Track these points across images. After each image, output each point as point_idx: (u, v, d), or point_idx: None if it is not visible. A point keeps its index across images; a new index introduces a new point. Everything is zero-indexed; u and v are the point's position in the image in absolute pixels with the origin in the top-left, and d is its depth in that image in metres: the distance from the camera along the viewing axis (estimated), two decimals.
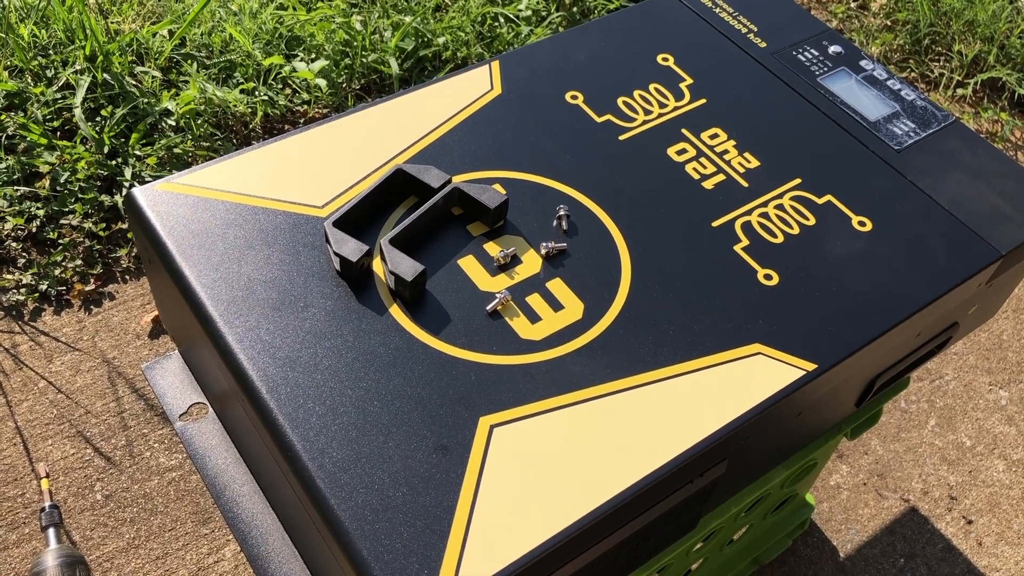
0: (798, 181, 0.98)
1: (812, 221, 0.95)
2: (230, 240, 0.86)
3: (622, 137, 1.00)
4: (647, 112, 1.03)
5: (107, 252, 1.54)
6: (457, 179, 0.93)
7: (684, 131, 1.01)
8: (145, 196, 0.89)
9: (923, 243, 0.94)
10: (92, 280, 1.50)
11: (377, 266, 0.86)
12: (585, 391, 0.79)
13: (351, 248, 0.83)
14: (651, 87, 1.06)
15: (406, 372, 0.79)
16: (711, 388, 0.81)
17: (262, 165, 0.93)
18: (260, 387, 0.77)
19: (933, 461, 1.41)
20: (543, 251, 0.88)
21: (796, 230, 0.94)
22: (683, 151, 0.99)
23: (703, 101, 1.05)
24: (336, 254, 0.83)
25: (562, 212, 0.91)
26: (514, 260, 0.88)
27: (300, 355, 0.79)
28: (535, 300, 0.85)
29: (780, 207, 0.95)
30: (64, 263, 1.50)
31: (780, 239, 0.93)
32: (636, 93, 1.05)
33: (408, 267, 0.82)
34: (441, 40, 1.88)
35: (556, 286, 0.86)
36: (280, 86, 1.79)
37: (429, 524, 0.70)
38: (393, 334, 0.81)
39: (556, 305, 0.85)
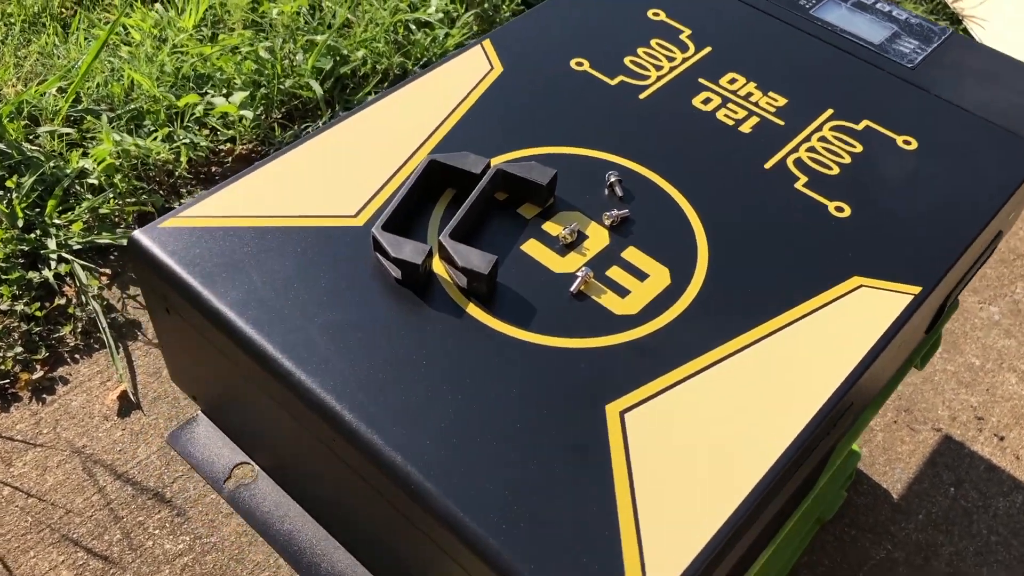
0: (830, 112, 0.94)
1: (859, 148, 0.91)
2: (265, 267, 0.75)
3: (642, 96, 0.94)
4: (658, 68, 0.97)
5: (48, 333, 1.38)
6: (494, 163, 0.84)
7: (702, 80, 0.96)
8: (151, 237, 0.77)
9: (971, 152, 0.91)
10: (38, 366, 1.33)
11: (437, 267, 0.77)
12: (703, 357, 0.72)
13: (411, 251, 0.74)
14: (653, 43, 1.00)
15: (508, 373, 0.70)
16: (829, 329, 0.75)
17: (275, 183, 0.82)
18: (356, 421, 0.66)
19: (951, 386, 1.41)
20: (607, 221, 0.81)
21: (847, 159, 0.89)
22: (708, 100, 0.94)
23: (709, 49, 1.00)
24: (395, 260, 0.74)
25: (613, 179, 0.84)
26: (580, 236, 0.80)
27: (387, 377, 0.69)
28: (616, 273, 0.78)
29: (823, 139, 0.91)
30: (2, 353, 1.33)
31: (836, 170, 0.88)
32: (640, 51, 0.99)
33: (481, 260, 0.74)
34: (360, 54, 1.78)
35: (632, 255, 0.79)
36: (197, 127, 1.66)
37: (596, 531, 0.62)
38: (480, 335, 0.72)
39: (640, 274, 0.78)
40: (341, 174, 0.83)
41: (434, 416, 0.67)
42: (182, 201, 1.56)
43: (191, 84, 1.71)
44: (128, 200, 1.52)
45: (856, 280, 0.79)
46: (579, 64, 0.97)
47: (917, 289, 0.79)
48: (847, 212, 0.84)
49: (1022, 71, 1.01)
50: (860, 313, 0.76)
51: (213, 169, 1.63)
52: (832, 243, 0.82)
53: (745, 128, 0.91)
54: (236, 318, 0.72)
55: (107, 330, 1.37)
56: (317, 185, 0.82)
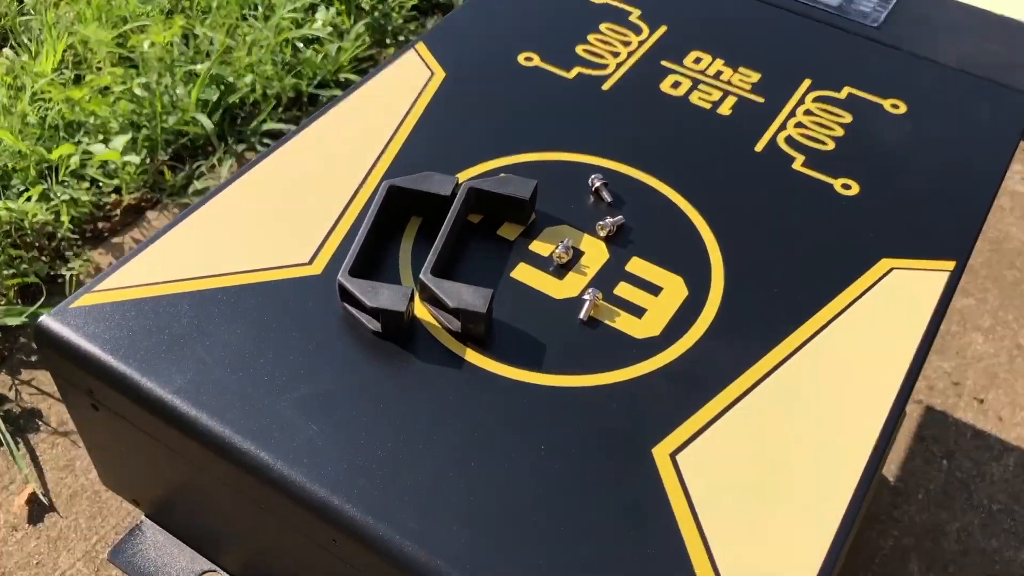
0: (808, 82, 0.86)
1: (848, 118, 0.83)
2: (213, 339, 0.62)
3: (605, 87, 0.84)
4: (615, 55, 0.87)
5: None
6: (462, 180, 0.73)
7: (665, 63, 0.87)
8: (63, 321, 0.62)
9: (963, 109, 0.85)
10: None
11: (419, 310, 0.65)
12: (747, 375, 0.62)
13: (391, 297, 0.61)
14: (603, 28, 0.90)
15: (529, 427, 0.59)
16: (873, 321, 0.66)
17: (205, 236, 0.68)
18: (361, 515, 0.54)
19: None
20: (602, 232, 0.70)
21: (840, 131, 0.81)
22: (677, 84, 0.85)
23: (664, 29, 0.91)
24: (373, 310, 0.61)
25: (598, 183, 0.73)
26: (575, 253, 0.69)
27: (387, 455, 0.57)
28: (626, 290, 0.67)
29: (809, 112, 0.83)
30: None
31: (831, 145, 0.80)
32: (591, 38, 0.89)
33: (476, 297, 0.62)
34: (247, 80, 1.63)
35: (639, 266, 0.69)
36: (75, 181, 1.48)
37: None
38: (487, 385, 0.61)
39: (652, 288, 0.67)
40: (283, 216, 0.70)
41: (454, 495, 0.55)
42: (69, 267, 1.38)
43: (61, 134, 1.53)
44: (5, 272, 1.33)
45: (886, 263, 0.70)
46: (528, 59, 0.86)
47: (951, 264, 0.71)
48: (855, 189, 0.76)
49: (989, 20, 0.95)
50: (900, 298, 0.68)
51: (100, 225, 1.46)
52: (849, 225, 0.73)
53: (724, 110, 0.82)
54: (189, 408, 0.58)
55: (1, 425, 1.19)
56: (257, 233, 0.69)
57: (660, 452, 0.58)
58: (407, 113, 0.80)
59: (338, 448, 0.57)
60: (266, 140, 1.61)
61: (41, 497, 1.14)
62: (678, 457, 0.58)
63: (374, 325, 0.63)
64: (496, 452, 0.57)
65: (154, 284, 0.65)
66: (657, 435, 0.59)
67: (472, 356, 0.62)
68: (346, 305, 0.64)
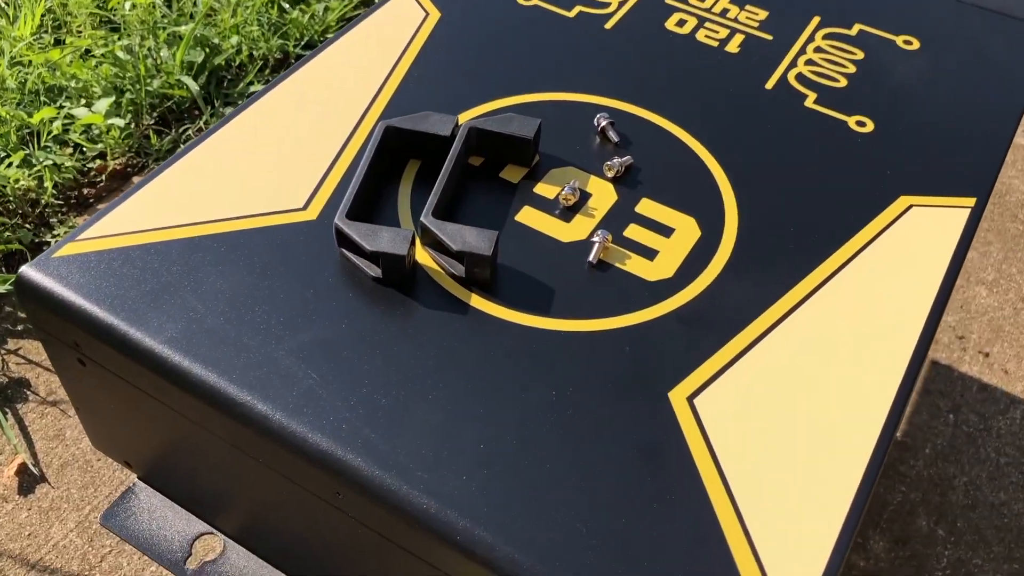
0: (817, 19, 0.83)
1: (860, 55, 0.80)
2: (205, 287, 0.59)
3: (608, 25, 0.80)
4: None
5: None
6: (462, 120, 0.70)
7: (669, 1, 0.83)
8: (46, 271, 0.59)
9: (977, 44, 0.82)
10: None
11: (420, 255, 0.62)
12: (764, 316, 0.60)
13: (391, 240, 0.58)
14: None
15: (540, 373, 0.56)
16: (893, 259, 0.64)
17: (195, 181, 0.65)
18: (369, 467, 0.51)
19: None
20: (609, 172, 0.67)
21: (852, 68, 0.78)
22: (682, 22, 0.81)
23: None
24: (373, 255, 0.58)
25: (604, 122, 0.70)
26: (582, 195, 0.66)
27: (392, 403, 0.54)
28: (636, 232, 0.64)
29: (820, 50, 0.80)
30: None
31: (843, 82, 0.77)
32: None
33: (480, 239, 0.59)
34: (233, 41, 1.58)
35: (649, 208, 0.66)
36: (58, 147, 1.43)
37: (699, 549, 0.49)
38: (494, 332, 0.58)
39: (664, 229, 0.64)
40: (275, 160, 0.67)
41: (463, 444, 0.52)
42: (55, 234, 1.34)
43: (42, 98, 1.48)
44: None
45: (904, 200, 0.68)
46: None
47: (972, 201, 0.68)
48: (870, 127, 0.73)
49: None
50: (920, 236, 0.65)
51: (85, 191, 1.42)
52: (865, 163, 0.70)
53: (732, 48, 0.79)
54: (181, 359, 0.55)
55: None
56: (249, 177, 0.66)
57: (677, 396, 0.55)
58: (402, 54, 0.76)
59: (340, 397, 0.54)
60: None
61: (31, 467, 1.11)
62: (696, 401, 0.55)
63: (374, 271, 0.60)
64: (505, 399, 0.54)
65: (141, 232, 0.61)
66: (673, 379, 0.56)
67: (477, 301, 0.59)
68: (344, 251, 0.61)
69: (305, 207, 0.64)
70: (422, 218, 0.61)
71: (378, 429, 0.53)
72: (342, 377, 0.55)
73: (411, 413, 0.53)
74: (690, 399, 0.55)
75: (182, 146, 1.49)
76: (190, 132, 1.51)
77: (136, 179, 1.45)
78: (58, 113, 1.43)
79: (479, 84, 0.74)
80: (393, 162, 0.67)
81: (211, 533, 0.69)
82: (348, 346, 0.56)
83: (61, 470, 1.11)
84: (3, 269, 1.29)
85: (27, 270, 0.59)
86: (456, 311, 0.59)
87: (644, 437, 0.53)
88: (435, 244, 0.61)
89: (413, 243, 0.59)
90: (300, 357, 0.55)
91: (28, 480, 1.11)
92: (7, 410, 1.16)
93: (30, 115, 1.43)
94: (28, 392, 1.19)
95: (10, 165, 1.36)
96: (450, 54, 0.76)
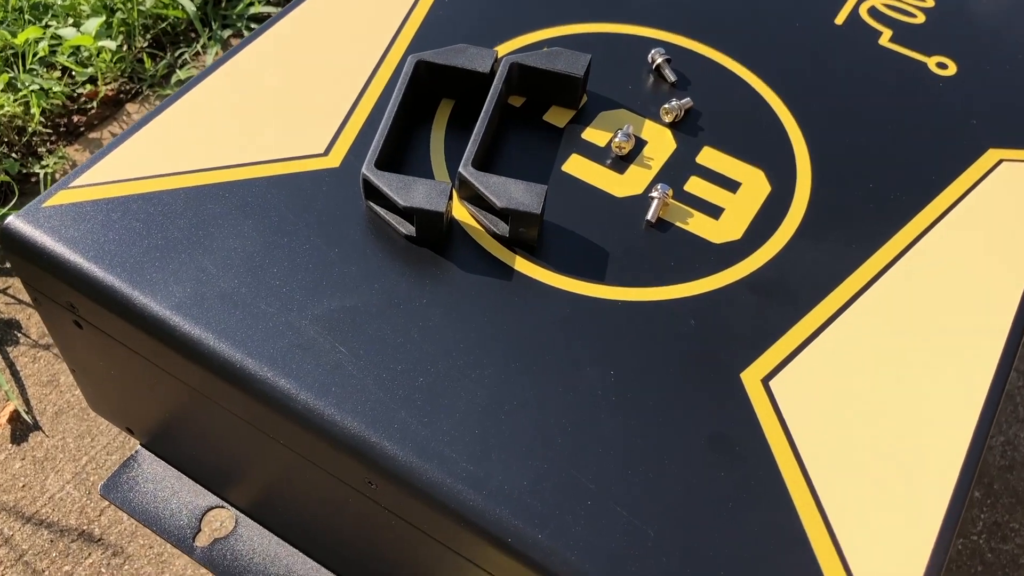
0: None
1: None
2: (216, 243, 0.52)
3: None
4: None
5: None
6: (502, 55, 0.62)
7: None
8: (35, 223, 0.52)
9: None
10: None
11: (456, 210, 0.55)
12: (846, 284, 0.53)
13: (427, 193, 0.51)
14: None
15: (594, 350, 0.49)
16: (986, 219, 0.57)
17: (200, 123, 0.58)
18: (404, 454, 0.45)
19: None
20: (667, 117, 0.60)
21: (930, 2, 0.70)
22: None
23: None
24: (406, 211, 0.51)
25: (659, 59, 0.63)
26: (637, 142, 0.59)
27: (430, 382, 0.47)
28: (699, 186, 0.57)
29: None
30: None
31: (920, 17, 0.69)
32: None
33: (528, 195, 0.52)
34: None
35: (712, 158, 0.59)
36: (44, 70, 1.34)
37: (776, 558, 0.43)
38: (543, 300, 0.51)
39: (729, 183, 0.58)
40: (291, 99, 0.59)
41: (512, 429, 0.46)
42: (43, 164, 1.26)
43: (26, 16, 1.39)
44: None
45: (994, 154, 0.61)
46: None
47: None
48: (952, 69, 0.66)
49: None
50: (1013, 194, 0.59)
51: (75, 119, 1.33)
52: (948, 111, 0.63)
53: None
54: (191, 327, 0.48)
55: None
56: (262, 118, 0.58)
57: (750, 377, 0.49)
58: None
59: (372, 374, 0.47)
60: (252, 25, 1.48)
61: (24, 415, 1.06)
62: (771, 383, 0.49)
63: (406, 228, 0.53)
64: (557, 378, 0.48)
65: (142, 179, 0.54)
66: (746, 358, 0.50)
67: (522, 265, 0.53)
68: (371, 204, 0.54)
69: (326, 152, 0.57)
70: (461, 169, 0.54)
71: (416, 412, 0.46)
72: (373, 351, 0.48)
73: (452, 393, 0.47)
74: (765, 381, 0.49)
75: (178, 71, 1.40)
76: (186, 56, 1.42)
77: (129, 106, 1.36)
78: (44, 33, 1.34)
79: (519, 12, 0.66)
80: (424, 102, 0.60)
81: (221, 507, 0.63)
82: (379, 314, 0.50)
83: (56, 418, 1.06)
84: None
85: (14, 221, 0.52)
86: (499, 275, 0.52)
87: (715, 425, 0.47)
88: (474, 198, 0.54)
89: (451, 197, 0.52)
90: (325, 326, 0.49)
91: (21, 428, 1.05)
92: None
93: (14, 35, 1.33)
94: (19, 335, 1.12)
95: None
96: None
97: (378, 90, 0.60)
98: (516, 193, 0.52)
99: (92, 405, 0.66)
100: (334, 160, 0.56)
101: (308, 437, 0.47)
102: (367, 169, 0.52)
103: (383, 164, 0.54)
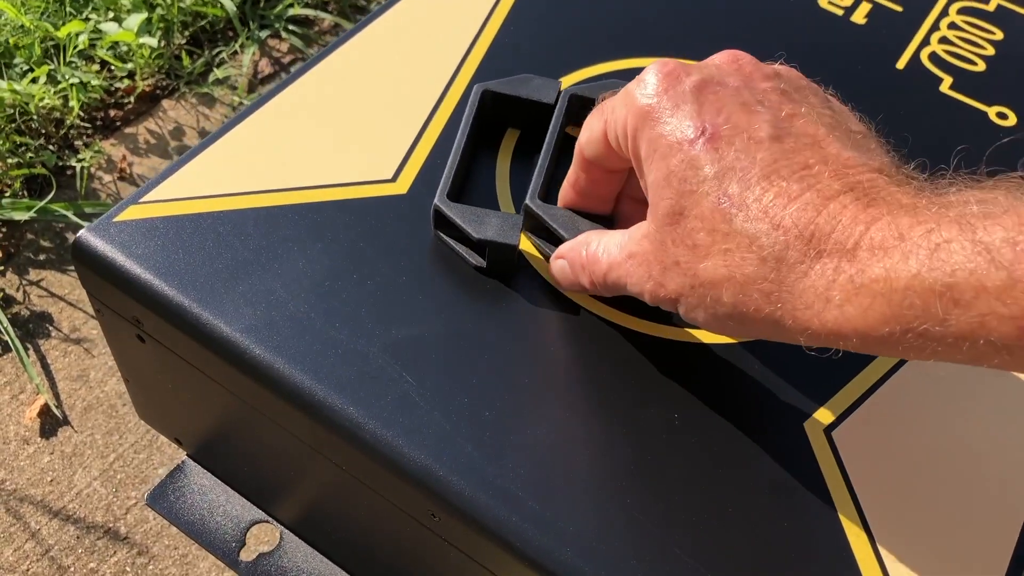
0: None
1: (999, 35, 0.72)
2: (284, 266, 0.52)
3: None
4: None
5: None
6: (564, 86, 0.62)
7: None
8: (108, 238, 0.52)
9: None
10: None
11: (524, 244, 0.55)
12: None
13: (500, 227, 0.52)
14: None
15: (659, 391, 0.50)
16: None
17: (270, 142, 0.58)
18: (467, 489, 0.45)
19: None
20: None
21: (990, 50, 0.71)
22: None
23: None
24: (479, 242, 0.52)
25: None
26: None
27: (496, 417, 0.48)
28: None
29: (954, 26, 0.72)
30: None
31: (981, 66, 0.69)
32: None
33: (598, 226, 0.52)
34: None
35: None
36: (83, 63, 1.35)
37: None
38: (607, 339, 0.52)
39: None
40: (358, 122, 0.60)
41: (577, 468, 0.47)
42: (79, 157, 1.27)
43: (68, 9, 1.39)
44: (10, 161, 1.22)
45: None
46: None
47: None
48: (1012, 119, 0.66)
49: None
50: None
51: (112, 113, 1.34)
52: (1007, 160, 0.63)
53: (858, 18, 0.71)
54: (262, 351, 0.49)
55: (9, 329, 1.10)
56: (330, 140, 0.58)
57: (813, 427, 0.49)
58: (495, 4, 0.68)
59: (439, 407, 0.48)
60: (291, 26, 1.48)
61: (54, 409, 1.06)
62: (834, 434, 0.49)
63: (476, 259, 0.53)
64: (622, 418, 0.48)
65: (213, 197, 0.55)
66: (808, 407, 0.50)
67: (589, 301, 0.53)
68: (440, 233, 0.54)
69: (394, 179, 0.57)
70: (528, 201, 0.54)
71: (482, 447, 0.47)
72: (440, 382, 0.49)
73: (518, 429, 0.47)
74: (827, 431, 0.49)
75: (215, 70, 1.41)
76: (224, 55, 1.43)
77: (165, 102, 1.37)
78: (85, 26, 1.34)
79: (585, 44, 0.66)
80: (490, 131, 0.60)
81: (267, 521, 0.64)
82: (446, 345, 0.50)
83: (85, 413, 1.06)
84: (25, 193, 1.22)
85: (86, 235, 0.52)
86: (565, 310, 0.52)
87: (778, 475, 0.47)
88: (540, 230, 0.54)
89: (522, 229, 0.53)
90: (394, 356, 0.49)
91: (50, 422, 1.06)
92: (28, 346, 1.11)
93: (56, 27, 1.34)
94: (51, 328, 1.13)
95: (34, 80, 1.27)
96: (550, 6, 0.69)
97: (444, 117, 0.61)
98: (584, 228, 0.52)
99: (141, 414, 0.66)
100: (402, 187, 0.57)
101: (373, 466, 0.47)
102: (440, 200, 0.53)
103: (454, 195, 0.54)
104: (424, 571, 0.54)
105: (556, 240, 0.54)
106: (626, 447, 0.47)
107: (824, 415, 0.50)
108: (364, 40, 0.65)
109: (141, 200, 0.54)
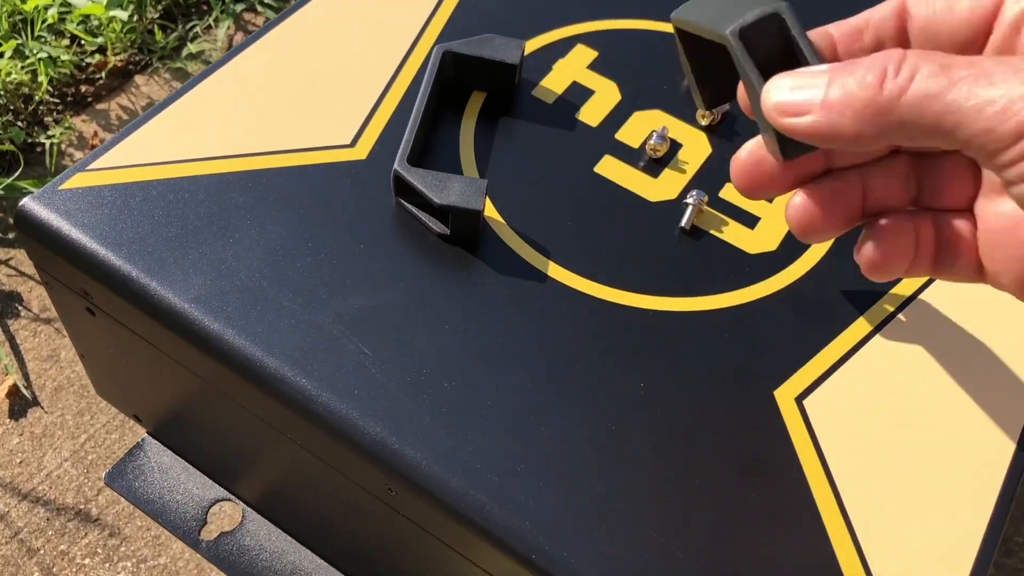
0: None
1: None
2: (236, 234, 0.50)
3: None
4: None
5: None
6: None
7: None
8: (52, 206, 0.50)
9: None
10: None
11: (489, 210, 0.53)
12: (880, 304, 0.52)
13: (463, 191, 0.50)
14: None
15: (625, 361, 0.48)
16: None
17: (224, 108, 0.56)
18: (425, 463, 0.43)
19: None
20: (703, 120, 0.59)
21: None
22: None
23: None
24: (441, 208, 0.50)
25: None
26: (672, 145, 0.58)
27: (456, 389, 0.46)
28: (734, 193, 0.56)
29: None
30: None
31: None
32: None
33: None
34: None
35: None
36: (52, 37, 1.32)
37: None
38: (573, 307, 0.50)
39: None
40: (317, 87, 0.58)
41: (540, 441, 0.45)
42: (49, 133, 1.24)
43: None
44: None
45: None
46: None
47: None
48: None
49: None
50: None
51: (83, 89, 1.31)
52: None
53: None
54: (211, 321, 0.47)
55: None
56: (287, 105, 0.56)
57: (784, 396, 0.48)
58: None
59: (397, 378, 0.46)
60: (267, 0, 1.45)
61: (23, 390, 1.04)
62: (805, 403, 0.48)
63: (439, 226, 0.51)
64: (587, 389, 0.47)
65: (163, 164, 0.53)
66: (779, 375, 0.49)
67: (555, 269, 0.51)
68: (402, 200, 0.52)
69: (353, 144, 0.55)
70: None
71: (440, 419, 0.45)
72: (398, 353, 0.47)
73: (479, 401, 0.46)
74: (799, 400, 0.48)
75: (189, 44, 1.38)
76: (197, 29, 1.40)
77: (138, 78, 1.34)
78: (53, 0, 1.31)
79: (550, 6, 0.64)
80: (454, 94, 0.58)
81: (229, 500, 0.62)
82: (406, 315, 0.48)
83: (55, 394, 1.04)
84: None
85: (29, 203, 0.50)
86: (530, 278, 0.51)
87: (747, 444, 0.46)
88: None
89: (486, 194, 0.51)
90: (350, 326, 0.47)
91: (20, 403, 1.03)
92: None
93: (23, 0, 1.31)
94: (20, 307, 1.11)
95: (1, 55, 1.24)
96: None
97: (407, 80, 0.58)
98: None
99: (99, 390, 0.64)
100: (360, 152, 0.55)
101: (327, 440, 0.46)
102: (399, 165, 0.51)
103: (415, 160, 0.52)
104: (385, 548, 0.52)
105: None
106: (590, 419, 0.46)
107: (795, 384, 0.48)
108: (325, 2, 0.62)
109: (88, 168, 0.52)
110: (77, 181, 0.51)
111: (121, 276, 0.48)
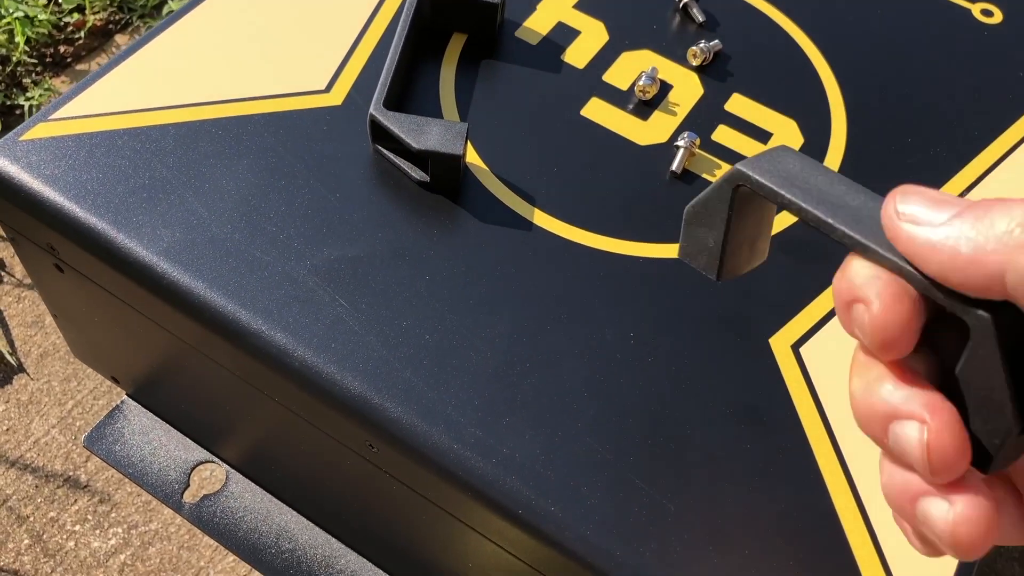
0: None
1: None
2: (208, 184, 0.48)
3: None
4: None
5: None
6: None
7: None
8: (13, 156, 0.48)
9: None
10: None
11: (471, 156, 0.51)
12: None
13: (443, 135, 0.47)
14: None
15: (613, 310, 0.46)
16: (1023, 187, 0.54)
17: (192, 54, 0.53)
18: (405, 416, 0.42)
19: None
20: (694, 60, 0.56)
21: None
22: None
23: None
24: (420, 154, 0.47)
25: None
26: (662, 86, 0.55)
27: (437, 340, 0.44)
28: (727, 135, 0.54)
29: None
30: None
31: None
32: None
33: None
34: None
35: (741, 105, 0.55)
36: None
37: (804, 539, 0.40)
38: (559, 255, 0.48)
39: (760, 133, 0.54)
40: (290, 30, 0.55)
41: (525, 393, 0.43)
42: (28, 95, 1.21)
43: None
44: None
45: None
46: None
47: None
48: (997, 16, 0.62)
49: None
50: None
51: (62, 49, 1.28)
52: (993, 63, 0.59)
53: None
54: (180, 274, 0.45)
55: None
56: (259, 50, 0.54)
57: (779, 343, 0.46)
58: None
59: (375, 331, 0.44)
60: None
61: (8, 356, 1.02)
62: (801, 350, 0.46)
63: (418, 173, 0.49)
64: (573, 339, 0.45)
65: (129, 112, 0.50)
66: (775, 322, 0.47)
67: (540, 217, 0.49)
68: (379, 147, 0.50)
69: (328, 89, 0.53)
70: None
71: (422, 372, 0.43)
72: (378, 305, 0.45)
73: (461, 353, 0.44)
74: (795, 347, 0.46)
75: (170, 2, 1.34)
76: None
77: (119, 37, 1.31)
78: None
79: None
80: (434, 36, 0.55)
81: (211, 461, 0.60)
82: (384, 266, 0.46)
83: (40, 360, 1.02)
84: None
85: None
86: (514, 226, 0.48)
87: (741, 393, 0.44)
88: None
89: (467, 139, 0.48)
90: (325, 277, 0.45)
91: (4, 370, 1.02)
92: None
93: None
94: (2, 273, 1.09)
95: None
96: None
97: (384, 23, 0.56)
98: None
99: (75, 351, 0.62)
100: (336, 97, 0.52)
101: (304, 395, 0.44)
102: (375, 109, 0.48)
103: (393, 104, 0.50)
104: (369, 506, 0.50)
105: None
106: (578, 369, 0.44)
107: (791, 331, 0.46)
108: None
109: (51, 117, 0.50)
110: (39, 131, 0.49)
111: (87, 229, 0.46)
